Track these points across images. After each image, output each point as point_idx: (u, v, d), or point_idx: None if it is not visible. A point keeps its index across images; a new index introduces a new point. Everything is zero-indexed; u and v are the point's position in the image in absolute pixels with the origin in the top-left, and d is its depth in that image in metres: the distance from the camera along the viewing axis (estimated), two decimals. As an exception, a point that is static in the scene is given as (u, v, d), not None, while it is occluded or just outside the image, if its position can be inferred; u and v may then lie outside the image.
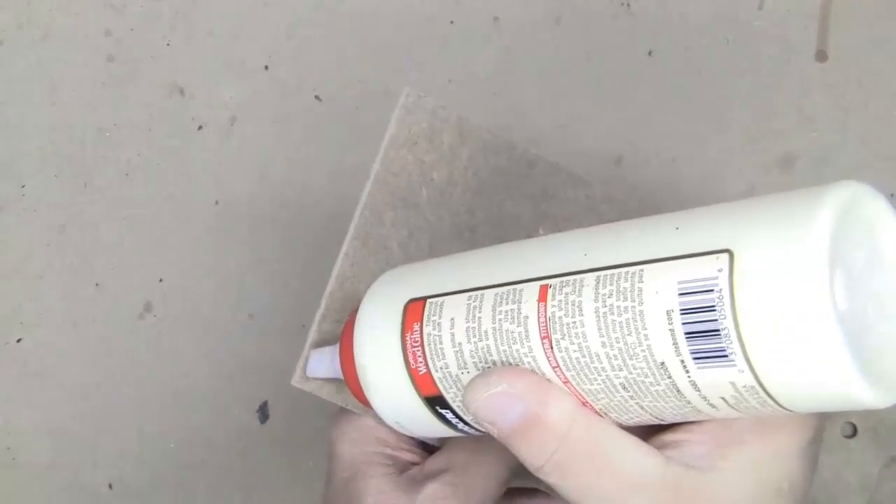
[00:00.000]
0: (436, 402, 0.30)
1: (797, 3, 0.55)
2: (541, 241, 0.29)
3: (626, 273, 0.24)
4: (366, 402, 0.32)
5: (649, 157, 0.55)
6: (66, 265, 0.56)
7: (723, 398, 0.24)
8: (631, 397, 0.25)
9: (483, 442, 0.34)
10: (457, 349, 0.28)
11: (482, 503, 0.35)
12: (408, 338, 0.29)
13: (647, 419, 0.27)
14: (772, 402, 0.23)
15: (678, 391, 0.24)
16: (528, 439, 0.27)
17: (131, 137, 0.57)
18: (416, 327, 0.29)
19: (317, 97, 0.56)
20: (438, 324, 0.29)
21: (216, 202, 0.56)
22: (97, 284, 0.56)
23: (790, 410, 0.24)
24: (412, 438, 0.37)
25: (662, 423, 0.27)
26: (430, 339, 0.29)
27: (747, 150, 0.55)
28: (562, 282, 0.26)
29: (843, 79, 0.54)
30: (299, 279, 0.56)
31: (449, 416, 0.30)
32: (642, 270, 0.24)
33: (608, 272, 0.25)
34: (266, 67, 0.56)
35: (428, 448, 0.38)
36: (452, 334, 0.28)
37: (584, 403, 0.27)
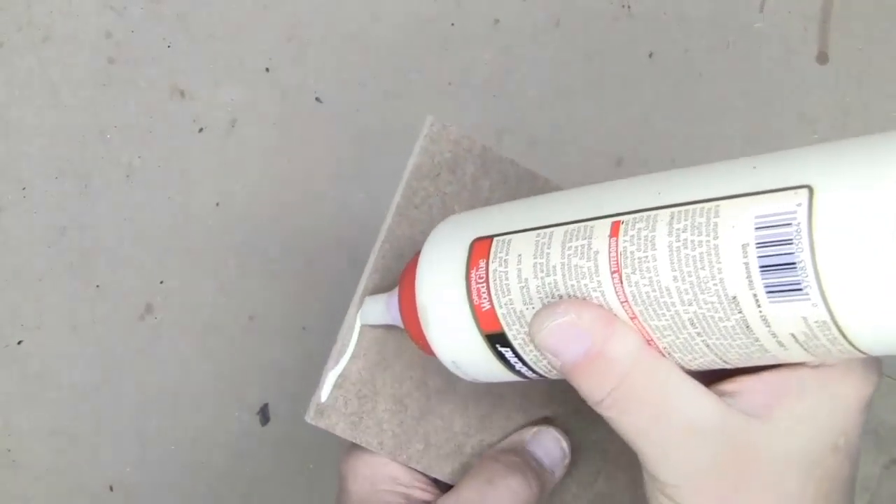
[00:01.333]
0: (497, 340, 0.30)
1: (798, 5, 0.55)
2: (610, 183, 0.29)
3: (702, 209, 0.25)
4: (425, 345, 0.32)
5: (649, 157, 0.55)
6: (66, 267, 0.56)
7: (792, 335, 0.24)
8: (698, 334, 0.25)
9: (495, 481, 0.35)
10: (523, 285, 0.28)
11: None
12: (473, 274, 0.29)
13: (710, 360, 0.27)
14: (842, 340, 0.23)
15: (747, 327, 0.24)
16: (590, 373, 0.27)
17: (132, 139, 0.57)
18: (482, 264, 0.29)
19: (317, 99, 0.56)
20: (505, 260, 0.29)
21: (217, 204, 0.56)
22: (98, 286, 0.56)
23: (859, 350, 0.24)
24: (424, 476, 0.37)
25: (726, 366, 0.27)
26: (495, 276, 0.29)
27: (747, 151, 0.54)
28: (635, 218, 0.26)
29: (843, 79, 0.54)
30: (299, 280, 0.56)
31: (508, 354, 0.30)
32: (718, 206, 0.24)
33: (683, 208, 0.25)
34: (266, 69, 0.57)
35: (440, 486, 0.38)
36: (519, 270, 0.28)
37: (649, 342, 0.27)
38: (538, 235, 0.28)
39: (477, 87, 0.56)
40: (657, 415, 0.27)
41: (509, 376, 0.31)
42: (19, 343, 0.56)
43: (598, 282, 0.26)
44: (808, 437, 0.27)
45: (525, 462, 0.36)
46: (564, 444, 0.38)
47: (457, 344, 0.31)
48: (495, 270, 0.29)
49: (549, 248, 0.28)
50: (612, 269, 0.26)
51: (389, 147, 0.56)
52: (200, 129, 0.57)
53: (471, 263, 0.30)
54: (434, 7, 0.56)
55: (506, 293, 0.29)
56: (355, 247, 0.55)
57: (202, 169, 0.56)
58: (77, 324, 0.56)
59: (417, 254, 0.32)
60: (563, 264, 0.27)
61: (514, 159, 0.39)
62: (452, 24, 0.56)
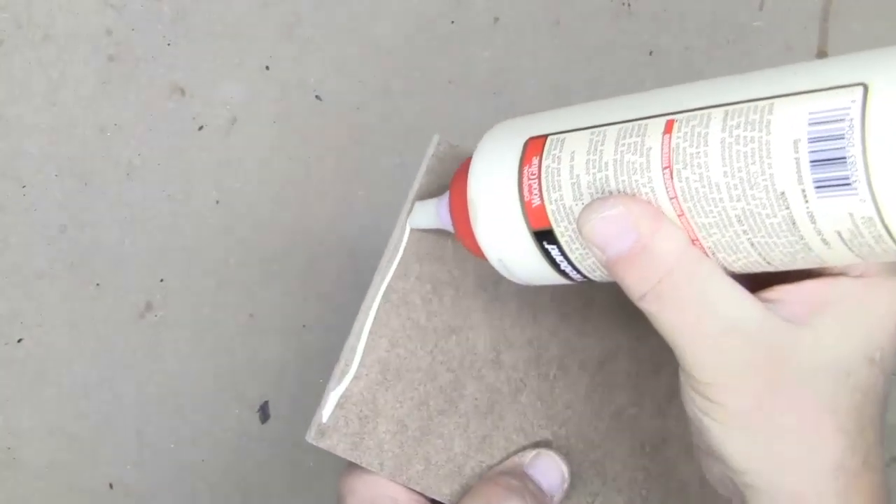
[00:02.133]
0: (544, 237, 0.30)
1: (797, 4, 0.55)
2: (664, 88, 0.29)
3: (756, 106, 0.25)
4: (472, 245, 0.33)
5: (649, 157, 0.55)
6: (66, 265, 0.56)
7: (838, 232, 0.24)
8: (744, 232, 0.26)
9: (495, 499, 0.35)
10: (574, 181, 0.29)
11: None
12: (525, 171, 0.30)
13: (754, 261, 0.27)
14: (887, 238, 0.24)
15: (793, 223, 0.25)
16: (634, 267, 0.27)
17: (132, 137, 0.57)
18: (535, 161, 0.30)
19: (317, 97, 0.56)
20: (558, 157, 0.29)
21: (217, 202, 0.56)
22: (98, 284, 0.56)
23: None
24: (426, 498, 0.37)
25: (768, 268, 0.27)
26: (548, 172, 0.29)
27: (747, 150, 0.55)
28: (689, 116, 0.26)
29: (843, 79, 0.55)
30: (299, 279, 0.56)
31: (555, 252, 0.30)
32: (773, 104, 0.25)
33: (737, 106, 0.26)
34: (266, 67, 0.56)
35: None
36: (572, 167, 0.29)
37: (694, 241, 0.27)
38: (592, 134, 0.29)
39: (477, 86, 0.56)
40: (697, 313, 0.27)
41: (554, 277, 0.32)
42: (19, 341, 0.56)
43: (649, 178, 0.27)
44: (844, 347, 0.28)
45: (524, 485, 0.36)
46: (563, 468, 0.38)
47: (504, 241, 0.31)
48: (548, 167, 0.29)
49: (602, 146, 0.28)
50: (664, 165, 0.27)
51: (389, 145, 0.56)
52: (200, 128, 0.57)
53: (524, 160, 0.30)
54: (434, 5, 0.56)
55: (557, 189, 0.29)
56: (355, 246, 0.55)
57: (202, 167, 0.56)
58: (77, 322, 0.56)
59: (469, 158, 0.33)
60: (615, 161, 0.28)
61: None
62: (452, 23, 0.56)
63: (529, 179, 0.30)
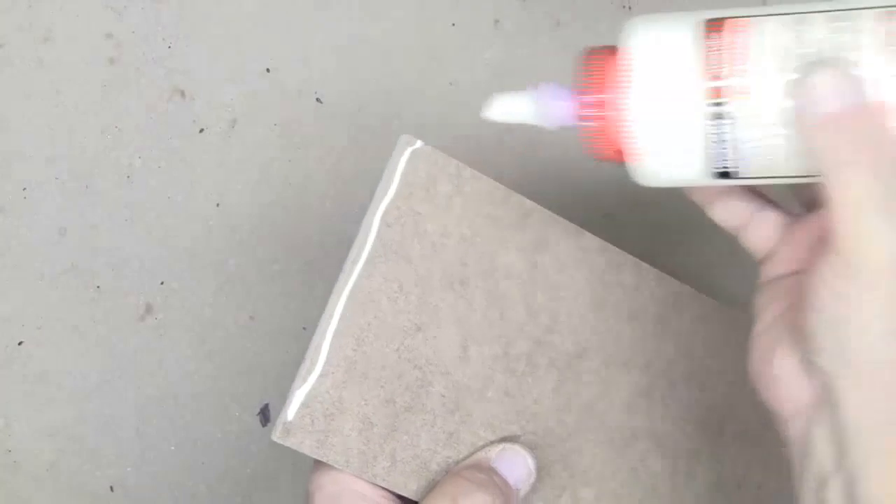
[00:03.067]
0: (720, 115, 0.29)
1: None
2: None
3: None
4: (607, 142, 0.32)
5: (650, 158, 0.55)
6: (67, 267, 0.56)
7: None
8: None
9: (460, 499, 0.35)
10: (782, 53, 0.29)
11: None
12: (708, 44, 0.29)
13: None
14: None
15: None
16: (846, 129, 0.27)
17: (132, 140, 0.57)
18: (725, 35, 0.29)
19: (318, 99, 0.56)
20: (758, 31, 0.29)
21: (217, 204, 0.56)
22: (98, 286, 0.56)
23: None
24: (393, 494, 0.37)
25: None
26: (745, 45, 0.29)
27: (748, 152, 0.55)
28: None
29: (844, 80, 0.54)
30: (299, 280, 0.56)
31: (726, 128, 0.29)
32: None
33: None
34: (267, 70, 0.57)
35: (406, 502, 0.38)
36: (775, 41, 0.29)
37: None
38: (796, 21, 0.29)
39: (477, 88, 0.56)
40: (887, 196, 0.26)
41: (702, 167, 0.31)
42: (20, 344, 0.56)
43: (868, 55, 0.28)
44: None
45: (490, 479, 0.37)
46: (530, 462, 0.38)
47: (667, 122, 0.30)
48: (745, 40, 0.29)
49: (810, 27, 0.29)
50: (888, 44, 0.27)
51: (389, 147, 0.56)
52: (201, 130, 0.57)
53: (707, 34, 0.30)
54: (434, 7, 0.56)
55: (758, 60, 0.29)
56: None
57: (202, 169, 0.56)
58: (77, 324, 0.56)
59: (602, 48, 0.32)
60: (826, 38, 0.28)
61: (490, 178, 0.39)
62: (453, 25, 0.56)
63: (716, 51, 0.29)
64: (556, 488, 0.40)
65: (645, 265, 0.44)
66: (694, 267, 0.54)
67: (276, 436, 0.36)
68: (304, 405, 0.36)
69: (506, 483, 0.37)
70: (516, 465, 0.38)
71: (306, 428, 0.36)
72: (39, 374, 0.56)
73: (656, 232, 0.54)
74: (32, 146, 0.57)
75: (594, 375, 0.42)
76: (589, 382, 0.42)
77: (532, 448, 0.39)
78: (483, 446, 0.39)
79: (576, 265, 0.42)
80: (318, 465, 0.37)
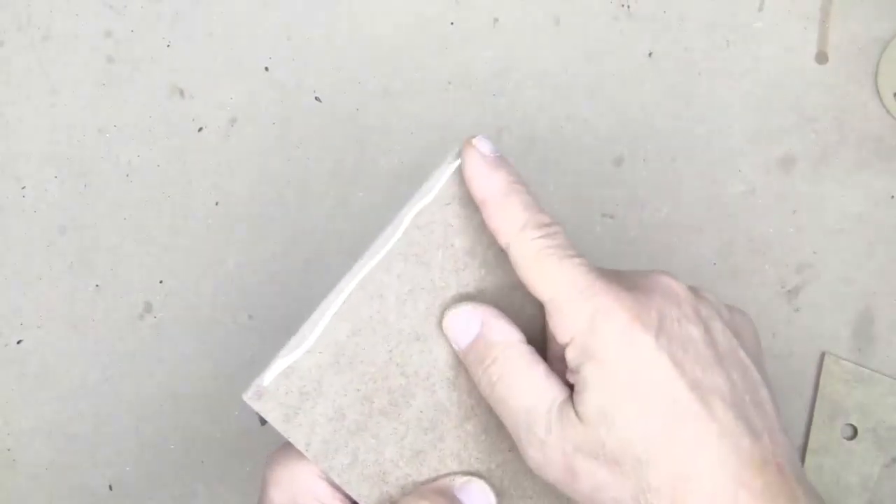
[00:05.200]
0: None
1: (797, 4, 0.55)
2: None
3: None
4: None
5: (649, 157, 0.55)
6: (65, 266, 0.56)
7: None
8: None
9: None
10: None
11: None
12: None
13: None
14: None
15: None
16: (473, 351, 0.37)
17: (131, 138, 0.57)
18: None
19: (316, 98, 0.56)
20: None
21: (216, 203, 0.56)
22: (97, 285, 0.56)
23: None
24: (345, 496, 0.37)
25: None
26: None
27: (747, 150, 0.54)
28: None
29: (843, 79, 0.54)
30: (299, 279, 0.56)
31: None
32: None
33: None
34: (266, 68, 0.56)
35: None
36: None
37: None
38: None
39: (477, 87, 0.56)
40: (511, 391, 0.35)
41: None
42: (18, 342, 0.56)
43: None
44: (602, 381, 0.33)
45: None
46: (493, 500, 0.38)
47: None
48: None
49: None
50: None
51: (389, 147, 0.56)
52: (200, 129, 0.57)
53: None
54: (433, 6, 0.56)
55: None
56: (355, 247, 0.55)
57: (201, 168, 0.56)
58: (76, 323, 0.56)
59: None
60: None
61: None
62: (452, 24, 0.56)
63: None
64: None
65: None
66: (694, 267, 0.54)
67: (247, 396, 0.36)
68: (284, 375, 0.36)
69: None
70: (479, 500, 0.38)
71: (278, 398, 0.36)
72: (38, 373, 0.56)
73: (656, 232, 0.54)
74: (31, 145, 0.57)
75: None
76: None
77: (497, 492, 0.38)
78: (446, 475, 0.38)
79: None
80: (276, 455, 0.38)
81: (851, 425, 0.53)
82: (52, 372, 0.56)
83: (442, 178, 0.37)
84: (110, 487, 0.56)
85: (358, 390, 0.37)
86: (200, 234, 0.56)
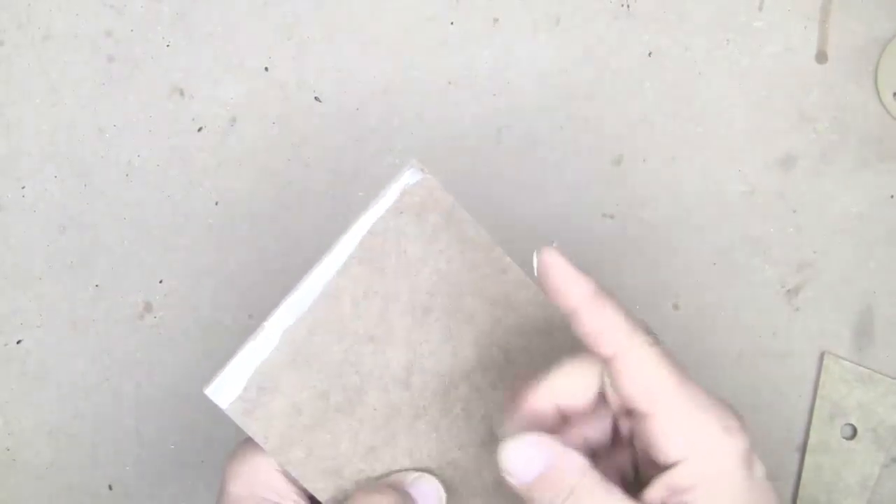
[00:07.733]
0: None
1: (797, 4, 0.55)
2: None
3: None
4: None
5: (649, 157, 0.55)
6: (65, 266, 0.56)
7: None
8: None
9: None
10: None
11: None
12: None
13: None
14: None
15: None
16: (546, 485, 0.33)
17: (131, 138, 0.57)
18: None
19: (316, 98, 0.56)
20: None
21: (216, 203, 0.56)
22: (97, 285, 0.56)
23: None
24: (301, 491, 0.38)
25: None
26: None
27: (747, 150, 0.54)
28: None
29: (843, 79, 0.54)
30: (298, 279, 0.56)
31: None
32: None
33: None
34: (266, 68, 0.56)
35: (315, 502, 0.39)
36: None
37: None
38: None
39: (476, 86, 0.56)
40: None
41: None
42: (18, 342, 0.56)
43: None
44: None
45: (403, 502, 0.38)
46: (443, 495, 0.40)
47: None
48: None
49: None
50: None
51: (389, 146, 0.56)
52: (200, 128, 0.57)
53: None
54: (433, 5, 0.56)
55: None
56: (355, 246, 0.55)
57: (201, 168, 0.56)
58: (76, 322, 0.56)
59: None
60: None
61: (480, 226, 0.40)
62: (452, 23, 0.56)
63: None
64: None
65: None
66: (693, 267, 0.54)
67: (208, 390, 0.37)
68: (243, 371, 0.37)
69: None
70: (429, 496, 0.39)
71: (237, 392, 0.37)
72: (38, 373, 0.56)
73: (656, 232, 0.54)
74: (31, 144, 0.57)
75: None
76: None
77: (448, 490, 0.40)
78: (398, 471, 0.40)
79: (538, 334, 0.42)
80: (236, 451, 0.39)
81: (851, 425, 0.53)
82: (52, 371, 0.56)
83: (397, 189, 0.39)
84: (110, 487, 0.56)
85: (314, 387, 0.38)
86: (200, 234, 0.56)
